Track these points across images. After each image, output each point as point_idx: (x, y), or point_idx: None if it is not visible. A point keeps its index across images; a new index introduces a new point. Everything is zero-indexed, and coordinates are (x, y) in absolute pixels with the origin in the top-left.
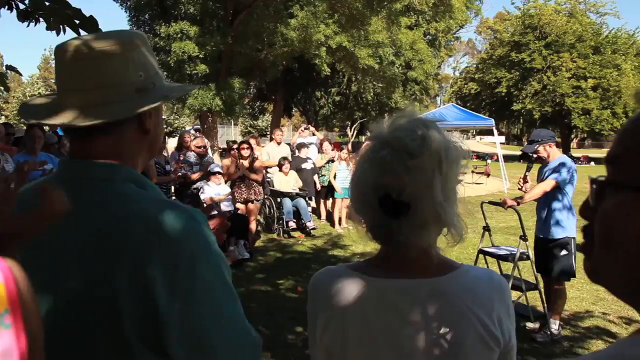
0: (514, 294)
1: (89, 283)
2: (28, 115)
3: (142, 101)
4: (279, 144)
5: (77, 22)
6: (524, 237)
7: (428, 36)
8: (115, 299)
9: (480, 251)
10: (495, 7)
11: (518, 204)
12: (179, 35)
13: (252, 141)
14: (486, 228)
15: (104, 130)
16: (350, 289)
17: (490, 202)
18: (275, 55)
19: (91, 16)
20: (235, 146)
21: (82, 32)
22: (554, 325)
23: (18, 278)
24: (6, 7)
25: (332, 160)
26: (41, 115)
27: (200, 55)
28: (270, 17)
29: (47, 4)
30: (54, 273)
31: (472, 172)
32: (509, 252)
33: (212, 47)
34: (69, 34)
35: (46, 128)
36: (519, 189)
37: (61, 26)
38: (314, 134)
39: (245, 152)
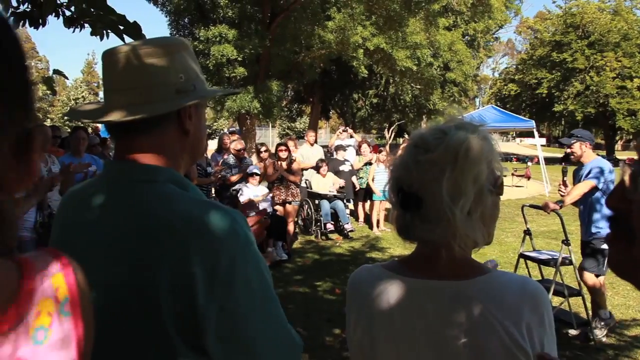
0: (556, 300)
1: (132, 281)
2: (77, 116)
3: (180, 101)
4: (312, 145)
5: (122, 27)
6: (566, 242)
7: (466, 37)
8: (157, 297)
9: (521, 255)
10: (536, 6)
11: (560, 207)
12: (217, 39)
13: (290, 143)
14: (527, 232)
15: (144, 131)
16: (380, 286)
17: (532, 206)
18: (313, 58)
19: (135, 22)
20: (263, 149)
21: (126, 37)
22: (604, 315)
23: (75, 269)
24: (53, 14)
25: (370, 163)
26: (88, 116)
27: (239, 58)
28: (307, 19)
29: (92, 10)
30: (98, 271)
31: (512, 174)
32: (550, 257)
33: (250, 50)
34: (112, 38)
35: (89, 130)
36: (560, 195)
37: (105, 31)
38: (352, 136)
39: (283, 154)
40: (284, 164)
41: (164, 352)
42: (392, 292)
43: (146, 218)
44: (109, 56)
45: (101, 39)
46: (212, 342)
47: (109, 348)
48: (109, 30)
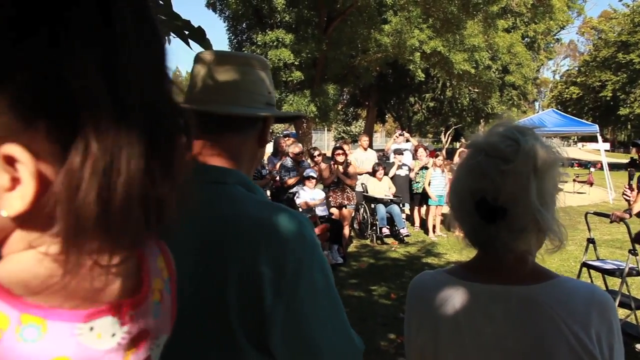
0: (622, 312)
1: (199, 280)
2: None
3: (269, 111)
4: (365, 149)
5: (186, 32)
6: (633, 252)
7: (526, 39)
8: (225, 296)
9: (584, 264)
10: (600, 5)
11: (630, 215)
12: (274, 43)
13: (346, 147)
14: (590, 240)
15: (234, 129)
16: (444, 292)
17: (596, 213)
18: (369, 61)
19: (199, 27)
20: (317, 153)
21: (191, 42)
22: None
23: (169, 252)
24: None
25: (426, 167)
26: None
27: (296, 63)
28: (364, 23)
29: (159, 16)
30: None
31: (574, 180)
32: (616, 267)
33: (307, 54)
34: (174, 44)
35: None
36: (625, 198)
37: (168, 37)
38: (408, 140)
39: (340, 158)
40: (341, 168)
41: (228, 351)
42: (457, 297)
43: (215, 218)
44: (204, 59)
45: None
46: (277, 342)
47: (175, 346)
48: (172, 36)
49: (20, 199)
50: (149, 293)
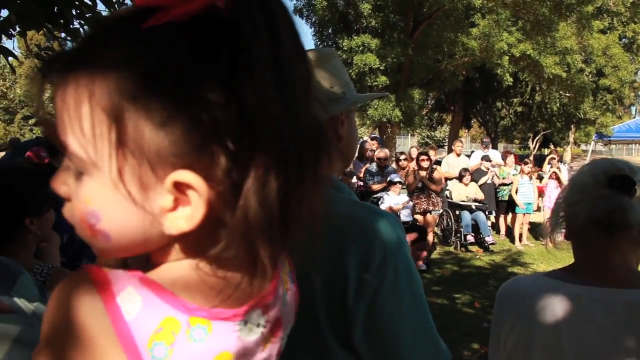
0: None
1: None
2: None
3: (334, 108)
4: (458, 155)
5: None
6: None
7: (624, 40)
8: (313, 294)
9: None
10: None
11: None
12: (360, 48)
13: (431, 152)
14: None
15: None
16: (543, 295)
17: None
18: (456, 66)
19: None
20: (403, 157)
21: None
22: None
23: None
24: None
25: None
26: None
27: (381, 67)
28: (450, 27)
29: None
30: None
31: None
32: None
33: (392, 59)
34: None
35: None
36: None
37: None
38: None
39: (425, 163)
40: (424, 173)
41: (316, 349)
42: (557, 301)
43: None
44: None
45: None
46: (360, 339)
47: None
48: None
49: (186, 221)
50: (279, 282)
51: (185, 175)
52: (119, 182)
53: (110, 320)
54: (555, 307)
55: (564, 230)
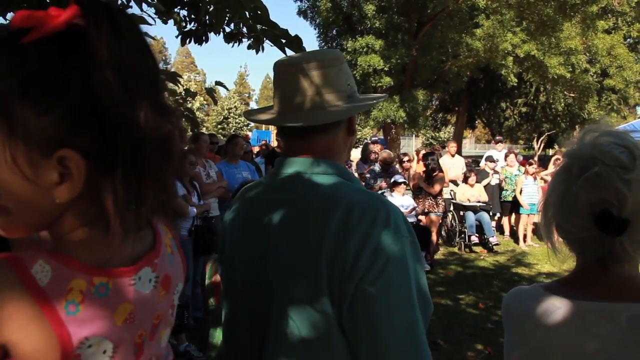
0: None
1: (298, 258)
2: (259, 122)
3: (354, 106)
4: (452, 155)
5: (284, 41)
6: None
7: (629, 40)
8: (319, 273)
9: None
10: None
11: None
12: (364, 49)
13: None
14: None
15: (323, 131)
16: (543, 310)
17: None
18: (460, 66)
19: (296, 35)
20: (406, 159)
21: (288, 51)
22: None
23: (169, 228)
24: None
25: (515, 175)
26: (271, 121)
27: (385, 68)
28: (455, 27)
29: (258, 27)
30: (268, 246)
31: None
32: None
33: (396, 60)
34: (267, 51)
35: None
36: None
37: (261, 46)
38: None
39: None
40: (422, 174)
41: (320, 323)
42: (560, 316)
43: (316, 201)
44: (285, 66)
45: (257, 52)
46: (346, 319)
47: (275, 325)
48: (269, 44)
49: (69, 190)
50: (162, 247)
51: (66, 152)
52: (12, 165)
53: (28, 289)
54: (558, 323)
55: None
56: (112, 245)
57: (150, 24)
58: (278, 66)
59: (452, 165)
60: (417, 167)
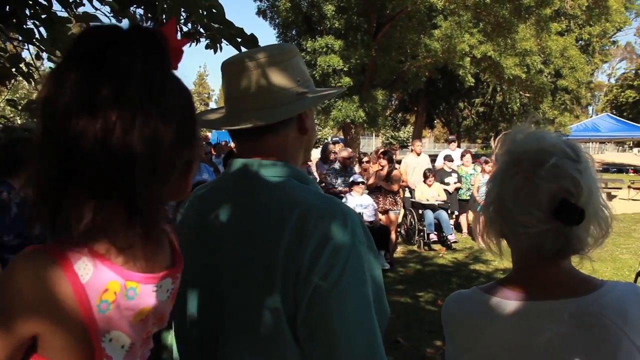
0: None
1: (250, 264)
2: (205, 125)
3: (303, 103)
4: (418, 154)
5: (239, 40)
6: None
7: (580, 42)
8: (271, 276)
9: None
10: None
11: None
12: (324, 50)
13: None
14: None
15: (272, 131)
16: (487, 313)
17: None
18: (418, 67)
19: (252, 34)
20: (366, 159)
21: (244, 50)
22: None
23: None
24: None
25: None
26: (216, 124)
27: (345, 68)
28: (413, 28)
29: (213, 25)
30: (216, 252)
31: (629, 187)
32: None
33: (356, 60)
34: (226, 51)
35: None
36: None
37: (218, 45)
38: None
39: (382, 162)
40: (384, 173)
41: (274, 334)
42: (502, 317)
43: (270, 205)
44: (230, 66)
45: (215, 52)
46: (301, 326)
47: (230, 322)
48: (222, 44)
49: None
50: (182, 264)
51: None
52: None
53: (70, 284)
54: (500, 324)
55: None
56: (140, 253)
57: (103, 23)
58: (224, 66)
59: (417, 164)
60: (374, 167)
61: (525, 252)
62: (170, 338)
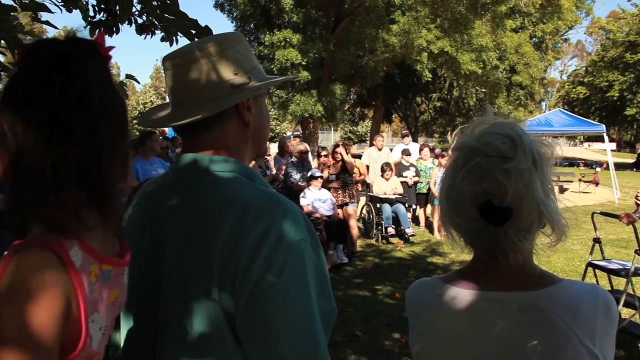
0: (627, 312)
1: (190, 261)
2: (147, 123)
3: (236, 96)
4: (380, 149)
5: (194, 32)
6: (639, 251)
7: (534, 39)
8: (210, 275)
9: (590, 264)
10: (609, 5)
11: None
12: (282, 44)
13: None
14: (597, 240)
15: (206, 126)
16: (441, 301)
17: (602, 213)
18: (377, 61)
19: (206, 26)
20: (324, 153)
21: None
22: None
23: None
24: (126, 22)
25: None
26: (156, 122)
27: (303, 63)
28: (371, 23)
29: (167, 16)
30: (161, 245)
31: (580, 180)
32: (621, 267)
33: (314, 54)
34: (182, 43)
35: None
36: (636, 203)
37: (175, 38)
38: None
39: (338, 157)
40: (331, 169)
41: (218, 330)
42: (455, 306)
43: (209, 202)
44: (166, 61)
45: (171, 44)
46: (239, 323)
47: (170, 320)
48: (179, 36)
49: None
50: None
51: None
52: None
53: (69, 269)
54: (453, 312)
55: None
56: (108, 237)
57: (53, 12)
58: (163, 61)
59: (379, 158)
60: (331, 161)
61: (471, 247)
62: (118, 336)
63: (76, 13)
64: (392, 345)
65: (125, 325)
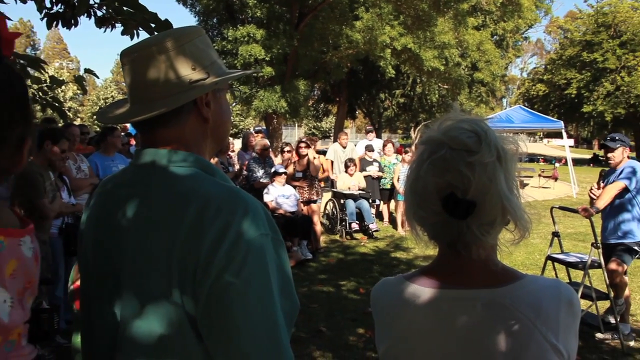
0: (584, 303)
1: (149, 258)
2: (105, 120)
3: (193, 92)
4: (344, 147)
5: (153, 25)
6: (595, 245)
7: (495, 37)
8: (169, 272)
9: (549, 257)
10: (566, 5)
11: (596, 212)
12: (245, 39)
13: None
14: (555, 234)
15: (163, 123)
16: (405, 300)
17: (562, 208)
18: (340, 57)
19: (166, 20)
20: (287, 149)
21: None
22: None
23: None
24: (85, 14)
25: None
26: (114, 119)
27: (267, 58)
28: (335, 19)
29: (125, 9)
30: (120, 242)
31: (539, 175)
32: (579, 260)
33: (278, 50)
34: (143, 37)
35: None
36: (590, 196)
37: (135, 31)
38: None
39: (303, 151)
40: (297, 166)
41: (178, 327)
42: (417, 304)
43: (168, 197)
44: (123, 56)
45: (131, 38)
46: (200, 320)
47: (134, 315)
48: (139, 30)
49: None
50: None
51: None
52: None
53: None
54: (417, 311)
55: None
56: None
57: (6, 2)
58: (121, 56)
59: (343, 155)
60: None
61: (436, 242)
62: (79, 340)
63: (31, 4)
64: (357, 340)
65: (85, 325)
